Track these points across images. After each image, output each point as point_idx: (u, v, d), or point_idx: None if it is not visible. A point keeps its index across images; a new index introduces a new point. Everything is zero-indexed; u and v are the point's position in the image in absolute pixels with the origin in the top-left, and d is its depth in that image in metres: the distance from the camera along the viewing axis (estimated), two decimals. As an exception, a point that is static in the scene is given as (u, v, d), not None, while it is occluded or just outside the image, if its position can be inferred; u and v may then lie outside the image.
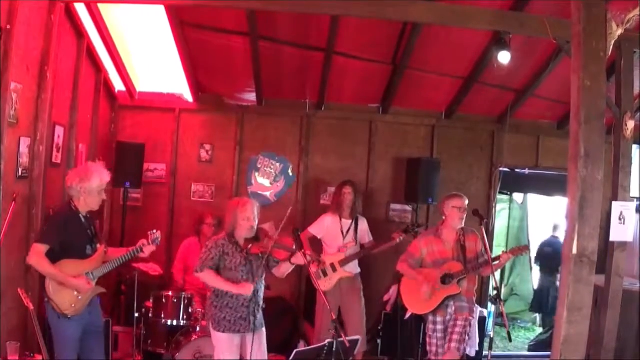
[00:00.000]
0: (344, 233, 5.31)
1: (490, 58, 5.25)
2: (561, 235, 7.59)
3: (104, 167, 3.84)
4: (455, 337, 4.33)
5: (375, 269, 6.05)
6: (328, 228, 5.34)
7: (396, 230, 5.33)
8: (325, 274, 5.18)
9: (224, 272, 3.91)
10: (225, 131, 6.49)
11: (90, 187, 3.64)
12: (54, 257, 3.52)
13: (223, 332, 3.90)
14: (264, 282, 4.09)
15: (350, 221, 5.36)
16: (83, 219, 3.69)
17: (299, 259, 3.87)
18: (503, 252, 4.39)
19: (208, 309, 4.02)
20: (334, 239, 5.31)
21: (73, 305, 3.56)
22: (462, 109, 6.50)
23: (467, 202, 4.51)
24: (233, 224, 3.96)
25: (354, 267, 5.33)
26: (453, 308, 4.40)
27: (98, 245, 3.76)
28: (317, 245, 5.36)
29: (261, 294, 4.05)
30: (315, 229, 5.37)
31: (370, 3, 4.35)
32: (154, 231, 3.87)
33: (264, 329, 4.06)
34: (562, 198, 6.73)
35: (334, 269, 5.20)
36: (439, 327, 4.43)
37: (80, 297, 3.59)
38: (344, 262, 5.22)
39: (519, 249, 4.45)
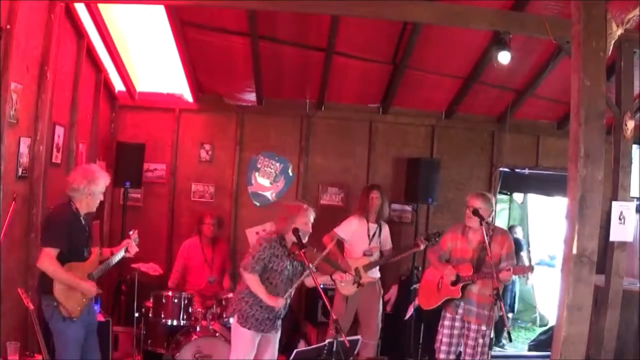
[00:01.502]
0: (370, 237, 5.25)
1: (490, 58, 5.24)
2: (518, 234, 7.58)
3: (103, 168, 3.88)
4: (468, 350, 4.31)
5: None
6: (355, 231, 5.26)
7: (418, 237, 5.28)
8: None
9: (269, 272, 3.98)
10: (225, 131, 6.50)
11: (96, 189, 3.66)
12: (59, 260, 3.50)
13: (248, 328, 3.97)
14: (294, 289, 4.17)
15: (375, 225, 5.30)
16: (83, 221, 3.68)
17: (340, 277, 4.11)
18: (506, 269, 4.20)
19: (237, 302, 4.05)
20: (359, 243, 5.23)
21: (79, 308, 3.57)
22: (462, 109, 6.50)
23: (478, 201, 4.35)
24: (287, 227, 4.00)
25: (375, 272, 5.28)
26: (462, 310, 4.37)
27: (92, 247, 3.76)
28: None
29: (289, 301, 4.15)
30: (342, 231, 5.27)
31: (370, 3, 4.35)
32: (132, 231, 3.95)
33: (279, 333, 4.19)
34: (562, 198, 6.73)
35: (358, 274, 5.10)
36: (447, 323, 4.42)
37: (84, 300, 3.61)
38: (369, 267, 5.14)
39: (522, 269, 4.34)
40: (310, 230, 4.07)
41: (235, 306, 4.06)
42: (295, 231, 3.91)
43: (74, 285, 3.51)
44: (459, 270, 4.36)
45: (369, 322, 5.22)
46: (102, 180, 3.70)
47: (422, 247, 5.13)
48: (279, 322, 4.14)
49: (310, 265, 3.79)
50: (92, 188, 3.63)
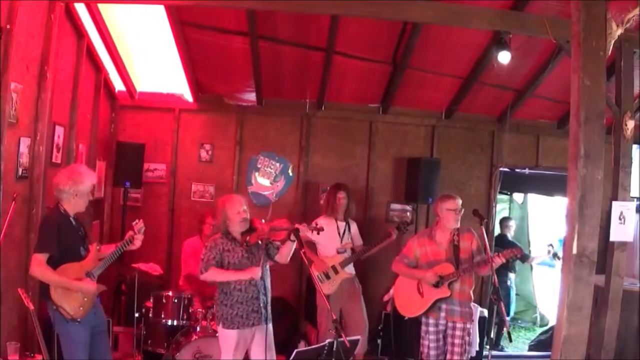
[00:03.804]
0: (341, 235, 5.30)
1: (490, 58, 5.25)
2: (509, 233, 7.55)
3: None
4: (456, 349, 4.31)
5: (375, 269, 6.05)
6: (324, 231, 5.29)
7: (389, 227, 5.35)
8: (327, 277, 5.16)
9: (228, 267, 3.98)
10: (225, 131, 6.50)
11: (83, 189, 3.63)
12: (53, 263, 3.50)
13: (237, 328, 3.95)
14: (269, 271, 4.11)
15: (344, 223, 5.36)
16: (73, 221, 3.66)
17: (303, 227, 3.94)
18: (496, 254, 4.25)
19: (217, 308, 4.03)
20: (330, 242, 5.25)
21: (81, 308, 3.56)
22: (462, 109, 6.50)
23: (460, 202, 4.43)
24: (225, 221, 4.02)
25: (351, 268, 5.33)
26: (445, 312, 4.38)
27: (90, 245, 3.73)
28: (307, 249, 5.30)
29: (269, 284, 4.08)
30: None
31: (370, 3, 4.35)
32: (137, 221, 3.82)
33: (270, 324, 4.10)
34: (562, 198, 6.72)
35: (336, 271, 5.18)
36: (431, 328, 4.40)
37: (86, 299, 3.59)
38: (345, 263, 5.20)
39: (511, 252, 4.28)
40: (246, 216, 4.00)
41: (218, 313, 4.02)
42: (296, 232, 3.88)
43: (67, 286, 3.50)
44: (440, 271, 4.36)
45: (355, 318, 5.23)
46: (88, 180, 3.66)
47: (394, 236, 5.21)
48: (268, 313, 4.03)
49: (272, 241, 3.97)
50: (78, 188, 3.61)
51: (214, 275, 3.96)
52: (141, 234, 3.77)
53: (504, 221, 7.63)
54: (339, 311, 5.21)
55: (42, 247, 3.49)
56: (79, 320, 3.53)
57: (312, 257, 5.13)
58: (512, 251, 4.29)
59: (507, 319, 6.93)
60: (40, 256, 3.46)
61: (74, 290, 3.53)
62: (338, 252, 5.22)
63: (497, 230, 7.59)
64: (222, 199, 4.15)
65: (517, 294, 8.38)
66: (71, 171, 3.72)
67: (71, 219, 3.65)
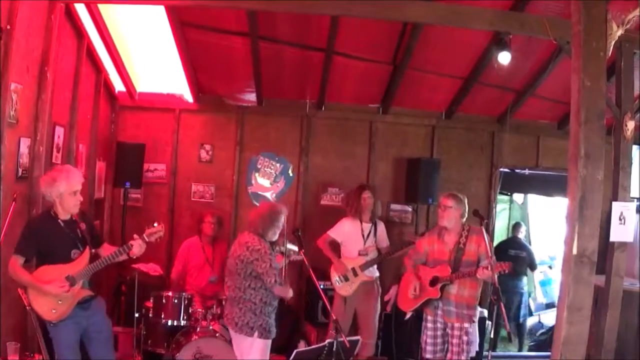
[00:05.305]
0: (365, 237, 5.27)
1: (490, 58, 5.25)
2: (522, 235, 7.53)
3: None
4: (454, 348, 4.32)
5: (382, 270, 6.03)
6: (348, 232, 5.28)
7: (410, 234, 5.33)
8: (346, 279, 5.16)
9: None
10: (225, 131, 6.50)
11: (58, 191, 3.53)
12: (36, 264, 3.51)
13: (272, 337, 4.00)
14: None
15: (370, 225, 5.32)
16: (63, 224, 3.59)
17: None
18: (483, 267, 4.14)
19: (254, 319, 3.92)
20: (354, 243, 5.24)
21: (54, 311, 3.48)
22: (462, 109, 6.50)
23: (450, 200, 4.36)
24: (268, 228, 4.03)
25: (373, 271, 5.31)
26: (441, 311, 4.39)
27: (86, 248, 3.66)
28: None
29: None
30: (335, 233, 5.30)
31: (370, 3, 4.35)
32: (155, 224, 3.73)
33: None
34: (562, 198, 6.73)
35: (355, 274, 5.16)
36: (429, 325, 4.44)
37: (60, 302, 3.50)
38: (365, 266, 5.17)
39: (500, 266, 4.11)
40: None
41: (254, 323, 3.92)
42: (296, 232, 3.97)
43: (35, 287, 3.46)
44: (437, 271, 4.38)
45: (367, 322, 5.23)
46: (62, 182, 3.53)
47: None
48: None
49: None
50: (54, 191, 3.53)
51: (282, 290, 3.95)
52: (146, 240, 3.69)
53: (516, 226, 7.65)
54: (352, 312, 5.21)
55: (17, 250, 3.51)
56: (54, 322, 3.49)
57: (332, 258, 5.19)
58: (500, 265, 4.15)
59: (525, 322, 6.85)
60: (14, 258, 3.48)
61: (44, 292, 3.46)
62: (359, 254, 5.20)
63: (497, 235, 7.61)
64: (274, 206, 4.19)
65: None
66: (48, 175, 3.66)
67: (60, 221, 3.59)
